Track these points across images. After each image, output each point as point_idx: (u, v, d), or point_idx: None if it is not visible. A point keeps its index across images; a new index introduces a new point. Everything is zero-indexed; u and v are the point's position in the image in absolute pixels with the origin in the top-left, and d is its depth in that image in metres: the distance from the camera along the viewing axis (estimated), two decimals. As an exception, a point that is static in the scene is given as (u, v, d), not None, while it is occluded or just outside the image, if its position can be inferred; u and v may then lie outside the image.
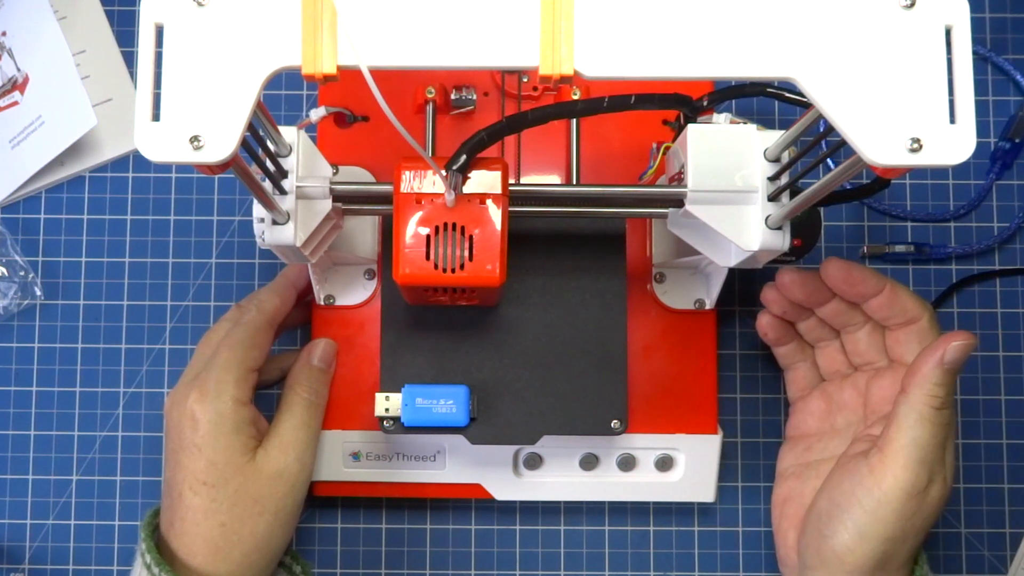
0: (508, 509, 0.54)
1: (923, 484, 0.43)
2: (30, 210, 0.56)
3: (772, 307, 0.50)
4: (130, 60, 0.57)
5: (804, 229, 0.49)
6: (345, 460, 0.51)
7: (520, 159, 0.51)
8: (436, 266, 0.39)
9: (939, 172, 0.57)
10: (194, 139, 0.30)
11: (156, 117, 0.30)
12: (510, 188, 0.40)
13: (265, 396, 0.55)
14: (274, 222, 0.40)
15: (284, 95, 0.57)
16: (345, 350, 0.51)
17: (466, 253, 0.39)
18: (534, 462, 0.51)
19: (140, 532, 0.45)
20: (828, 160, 0.52)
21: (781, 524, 0.49)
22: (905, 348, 0.46)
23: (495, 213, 0.39)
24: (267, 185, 0.39)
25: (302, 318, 0.52)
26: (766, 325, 0.51)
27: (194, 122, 0.30)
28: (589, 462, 0.51)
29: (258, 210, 0.40)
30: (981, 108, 0.57)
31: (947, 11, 0.30)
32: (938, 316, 0.47)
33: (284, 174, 0.40)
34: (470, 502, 0.54)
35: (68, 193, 0.56)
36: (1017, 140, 0.56)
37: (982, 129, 0.57)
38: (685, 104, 0.41)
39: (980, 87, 0.57)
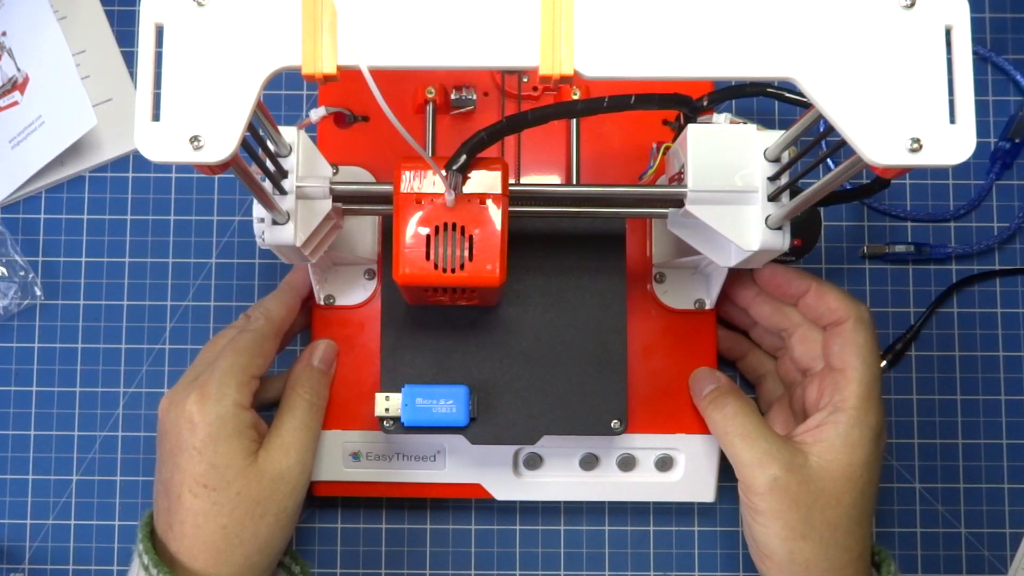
0: (508, 509, 0.54)
1: None
2: (30, 210, 0.56)
3: (720, 312, 0.52)
4: (130, 60, 0.57)
5: (804, 229, 0.49)
6: (345, 460, 0.51)
7: (520, 159, 0.51)
8: (436, 266, 0.39)
9: (939, 172, 0.57)
10: (194, 139, 0.30)
11: (156, 117, 0.30)
12: (510, 188, 0.40)
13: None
14: (274, 222, 0.40)
15: (284, 95, 0.57)
16: (345, 350, 0.51)
17: (466, 253, 0.39)
18: (534, 462, 0.51)
19: (138, 533, 0.45)
20: (828, 160, 0.52)
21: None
22: (830, 351, 0.46)
23: (495, 213, 0.39)
24: (267, 185, 0.39)
25: (304, 323, 0.52)
26: (721, 337, 0.52)
27: (194, 122, 0.30)
28: (589, 462, 0.51)
29: (258, 210, 0.40)
30: (981, 108, 0.57)
31: (947, 11, 0.30)
32: (872, 316, 0.46)
33: (284, 174, 0.40)
34: (470, 502, 0.54)
35: (68, 193, 0.56)
36: (1017, 140, 0.56)
37: (982, 129, 0.57)
38: (685, 104, 0.41)
39: (980, 87, 0.57)
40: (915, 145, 0.29)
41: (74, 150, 0.55)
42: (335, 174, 0.44)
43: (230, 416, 0.44)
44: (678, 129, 0.45)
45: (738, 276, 0.49)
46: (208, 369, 0.45)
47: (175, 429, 0.44)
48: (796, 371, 0.49)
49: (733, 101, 0.45)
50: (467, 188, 0.39)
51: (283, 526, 0.45)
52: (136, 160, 0.56)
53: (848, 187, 0.46)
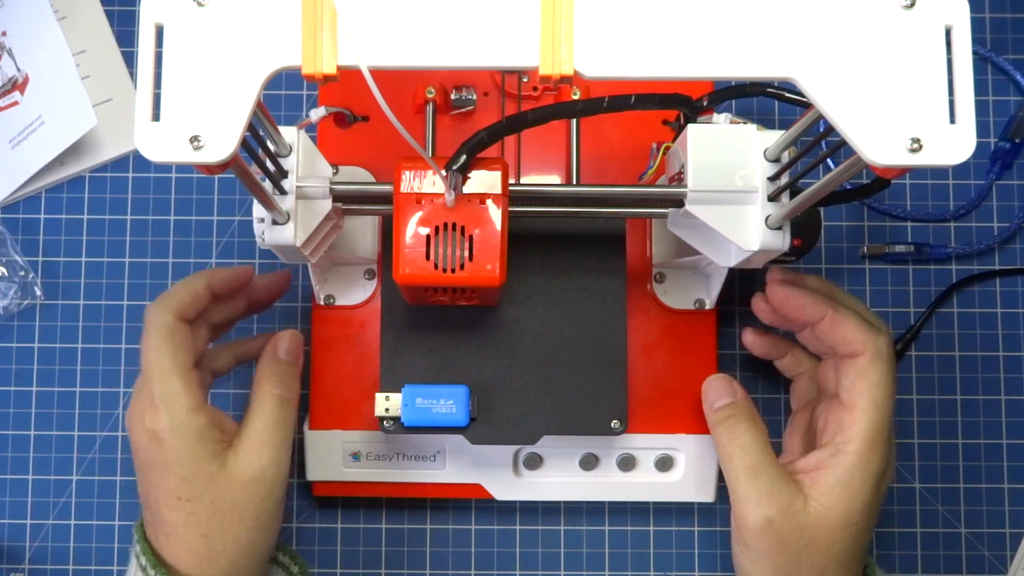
0: (508, 509, 0.54)
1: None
2: (30, 210, 0.56)
3: (761, 316, 0.50)
4: (130, 60, 0.57)
5: (804, 229, 0.49)
6: (345, 460, 0.51)
7: (520, 159, 0.51)
8: (436, 266, 0.39)
9: (939, 172, 0.57)
10: (194, 139, 0.30)
11: (156, 117, 0.30)
12: (510, 188, 0.40)
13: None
14: (274, 222, 0.40)
15: (284, 95, 0.57)
16: (345, 350, 0.51)
17: (466, 253, 0.39)
18: (534, 462, 0.51)
19: (135, 534, 0.45)
20: (828, 160, 0.52)
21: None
22: (841, 384, 0.44)
23: (495, 213, 0.39)
24: (267, 185, 0.39)
25: (239, 312, 0.49)
26: (750, 343, 0.51)
27: (194, 122, 0.30)
28: (589, 462, 0.51)
29: (258, 210, 0.40)
30: (981, 108, 0.57)
31: (947, 11, 0.30)
32: (893, 345, 0.45)
33: (284, 174, 0.40)
34: (470, 502, 0.54)
35: (68, 193, 0.56)
36: (1017, 140, 0.56)
37: (982, 129, 0.57)
38: (685, 104, 0.41)
39: (980, 87, 0.57)
40: (915, 145, 0.29)
41: (74, 150, 0.55)
42: (335, 174, 0.44)
43: (184, 424, 0.42)
44: (678, 129, 0.45)
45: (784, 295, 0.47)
46: (144, 380, 0.43)
47: (140, 445, 0.43)
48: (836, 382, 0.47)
49: (733, 101, 0.45)
50: (467, 188, 0.39)
51: (265, 528, 0.44)
52: (136, 160, 0.56)
53: (848, 187, 0.46)
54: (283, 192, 0.40)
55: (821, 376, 0.49)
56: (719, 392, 0.47)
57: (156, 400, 0.42)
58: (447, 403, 0.46)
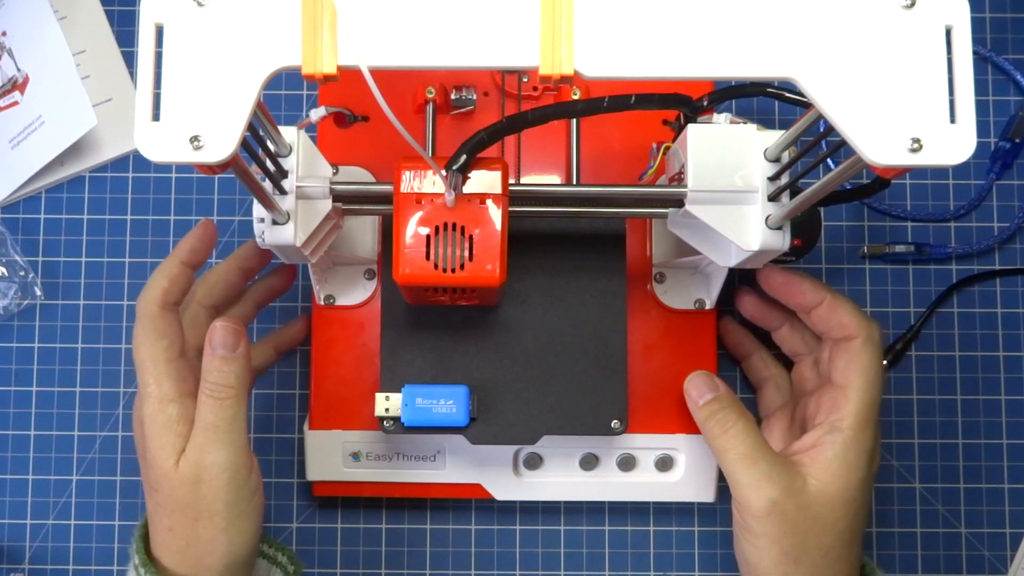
0: (508, 509, 0.54)
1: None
2: (30, 210, 0.56)
3: (744, 310, 0.52)
4: (130, 60, 0.57)
5: (804, 229, 0.49)
6: (345, 460, 0.51)
7: (520, 159, 0.51)
8: (436, 266, 0.39)
9: (939, 172, 0.57)
10: (194, 139, 0.30)
11: (156, 117, 0.30)
12: (510, 188, 0.40)
13: (262, 397, 0.55)
14: (274, 222, 0.40)
15: (284, 95, 0.57)
16: (345, 350, 0.51)
17: (466, 253, 0.39)
18: (534, 462, 0.51)
19: (134, 533, 0.45)
20: (828, 160, 0.52)
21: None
22: (834, 366, 0.46)
23: (495, 213, 0.39)
24: (267, 185, 0.39)
25: (252, 307, 0.49)
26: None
27: (194, 122, 0.30)
28: (589, 462, 0.51)
29: (258, 210, 0.40)
30: (981, 108, 0.57)
31: (947, 11, 0.30)
32: (883, 336, 0.46)
33: (284, 174, 0.40)
34: (470, 502, 0.54)
35: (68, 193, 0.56)
36: (1017, 140, 0.56)
37: (982, 129, 0.57)
38: (685, 104, 0.41)
39: (980, 87, 0.57)
40: (915, 145, 0.29)
41: (74, 150, 0.55)
42: (335, 174, 0.44)
43: (154, 413, 0.42)
44: (678, 129, 0.45)
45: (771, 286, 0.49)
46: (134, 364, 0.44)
47: (134, 432, 0.45)
48: (813, 381, 0.49)
49: (733, 101, 0.45)
50: (467, 188, 0.39)
51: (223, 529, 0.42)
52: (136, 160, 0.56)
53: (848, 187, 0.46)
54: (283, 192, 0.40)
55: (798, 377, 0.50)
56: (701, 388, 0.48)
57: (139, 388, 0.43)
58: (447, 403, 0.46)
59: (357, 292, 0.51)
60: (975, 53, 0.56)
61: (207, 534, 0.42)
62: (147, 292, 0.44)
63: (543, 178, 0.51)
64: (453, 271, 0.39)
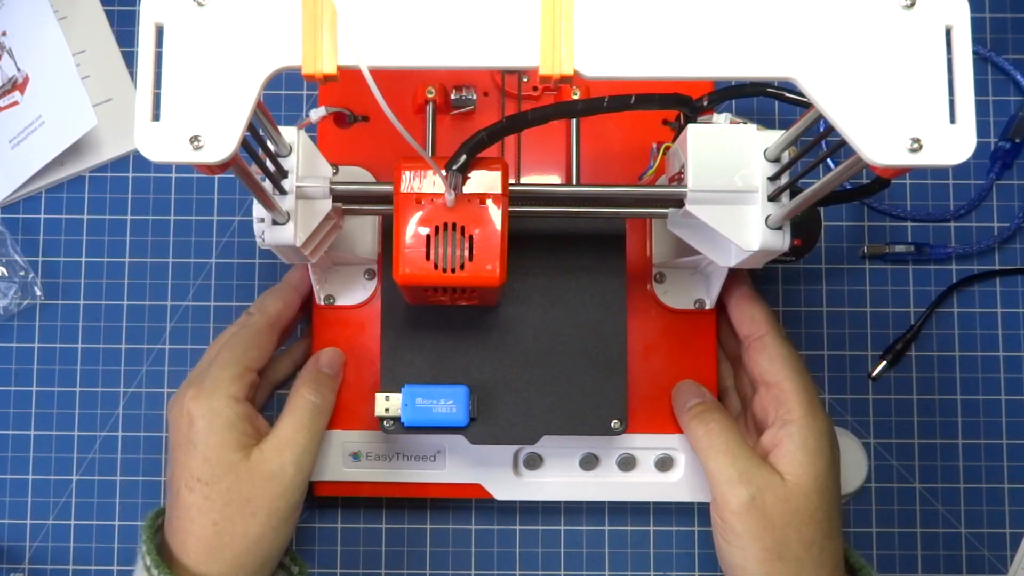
0: (508, 509, 0.54)
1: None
2: (30, 210, 0.56)
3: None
4: (130, 60, 0.57)
5: (804, 229, 0.49)
6: (345, 460, 0.51)
7: (520, 159, 0.51)
8: (436, 266, 0.39)
9: (939, 172, 0.57)
10: (194, 139, 0.30)
11: (156, 117, 0.30)
12: (510, 188, 0.40)
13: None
14: (274, 222, 0.40)
15: (284, 95, 0.57)
16: (345, 350, 0.51)
17: (466, 253, 0.39)
18: (534, 462, 0.51)
19: (141, 534, 0.45)
20: (828, 160, 0.52)
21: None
22: (757, 365, 0.47)
23: (495, 213, 0.39)
24: (267, 185, 0.39)
25: (302, 319, 0.53)
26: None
27: (194, 122, 0.30)
28: (589, 462, 0.51)
29: (258, 210, 0.40)
30: (981, 108, 0.57)
31: (947, 11, 0.30)
32: (786, 333, 0.48)
33: (284, 174, 0.40)
34: (470, 502, 0.54)
35: (68, 193, 0.56)
36: (1017, 140, 0.56)
37: (982, 129, 0.57)
38: (685, 104, 0.41)
39: (980, 87, 0.57)
40: (915, 145, 0.29)
41: (74, 150, 0.55)
42: (335, 174, 0.44)
43: (222, 407, 0.45)
44: (678, 129, 0.45)
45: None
46: (206, 365, 0.47)
47: (176, 425, 0.45)
48: (750, 386, 0.50)
49: (733, 101, 0.45)
50: (467, 188, 0.39)
51: (275, 528, 0.45)
52: (136, 160, 0.56)
53: (848, 187, 0.46)
54: (283, 192, 0.40)
55: (739, 384, 0.52)
56: (688, 395, 0.49)
57: (206, 383, 0.45)
58: (447, 403, 0.46)
59: (357, 292, 0.51)
60: (975, 53, 0.56)
61: (257, 531, 0.44)
62: (265, 309, 0.49)
63: (543, 178, 0.51)
64: (453, 271, 0.39)
